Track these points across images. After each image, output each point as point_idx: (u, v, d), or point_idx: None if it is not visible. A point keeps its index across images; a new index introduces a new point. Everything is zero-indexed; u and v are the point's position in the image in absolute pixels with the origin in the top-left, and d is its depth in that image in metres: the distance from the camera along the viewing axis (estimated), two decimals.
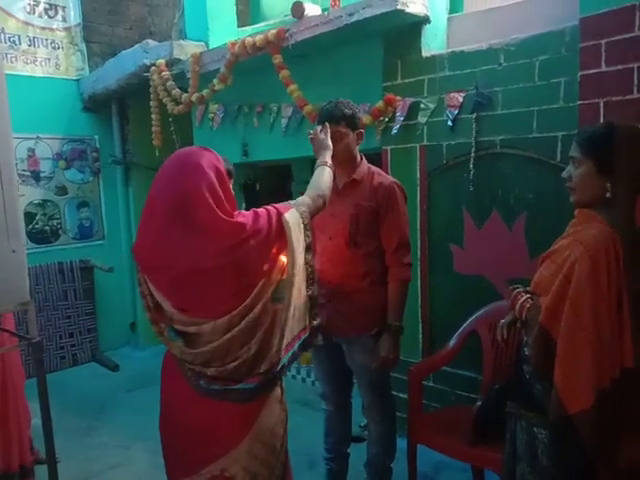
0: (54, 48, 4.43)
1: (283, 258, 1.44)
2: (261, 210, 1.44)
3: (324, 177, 1.71)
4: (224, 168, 1.42)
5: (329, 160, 1.79)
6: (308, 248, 1.50)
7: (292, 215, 1.45)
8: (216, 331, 1.37)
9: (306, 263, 1.49)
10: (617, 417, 1.35)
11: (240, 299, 1.37)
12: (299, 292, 1.47)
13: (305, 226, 1.48)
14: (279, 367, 1.45)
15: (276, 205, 1.48)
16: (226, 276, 1.36)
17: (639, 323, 1.35)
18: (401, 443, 2.31)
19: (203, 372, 1.40)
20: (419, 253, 2.77)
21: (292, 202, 1.55)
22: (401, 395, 2.62)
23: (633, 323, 1.34)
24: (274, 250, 1.42)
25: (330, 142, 1.87)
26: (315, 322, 1.54)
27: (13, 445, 2.57)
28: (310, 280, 1.51)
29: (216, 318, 1.37)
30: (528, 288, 1.55)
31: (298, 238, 1.44)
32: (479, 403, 2.16)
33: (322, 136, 1.88)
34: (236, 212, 1.40)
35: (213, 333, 1.37)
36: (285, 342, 1.44)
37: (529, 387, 1.51)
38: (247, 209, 1.46)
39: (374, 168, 2.16)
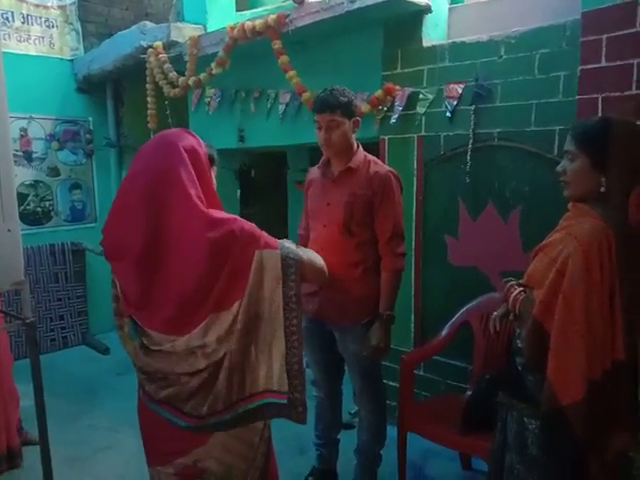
0: (48, 26, 4.36)
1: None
2: (246, 222, 1.34)
3: (312, 252, 1.53)
4: (204, 152, 1.38)
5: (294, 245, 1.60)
6: (288, 301, 1.33)
7: (270, 255, 1.31)
8: (174, 354, 1.31)
9: (287, 326, 1.33)
10: (607, 408, 1.37)
11: (198, 304, 1.28)
12: (257, 344, 1.34)
13: (287, 276, 1.32)
14: (230, 414, 1.34)
15: (265, 234, 1.35)
16: (186, 271, 1.27)
17: (630, 316, 1.37)
18: (391, 431, 2.33)
19: (142, 383, 1.38)
20: (413, 243, 2.78)
21: (287, 245, 1.37)
22: (392, 383, 2.64)
23: (624, 316, 1.35)
24: (237, 267, 1.29)
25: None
26: (297, 394, 1.37)
27: (0, 428, 2.57)
28: (293, 348, 1.34)
29: (172, 330, 1.30)
30: (521, 281, 1.56)
31: (267, 284, 1.31)
32: (469, 392, 2.19)
33: None
34: (214, 210, 1.32)
35: (170, 354, 1.32)
36: (240, 386, 1.33)
37: (521, 378, 1.52)
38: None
39: (370, 157, 2.15)
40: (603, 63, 1.92)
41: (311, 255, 1.46)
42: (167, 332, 1.31)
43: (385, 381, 2.37)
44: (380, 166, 2.13)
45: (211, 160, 1.43)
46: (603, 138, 1.39)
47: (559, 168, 1.49)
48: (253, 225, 1.35)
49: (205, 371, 1.32)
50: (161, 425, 1.40)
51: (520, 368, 1.53)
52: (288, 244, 1.39)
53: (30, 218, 4.33)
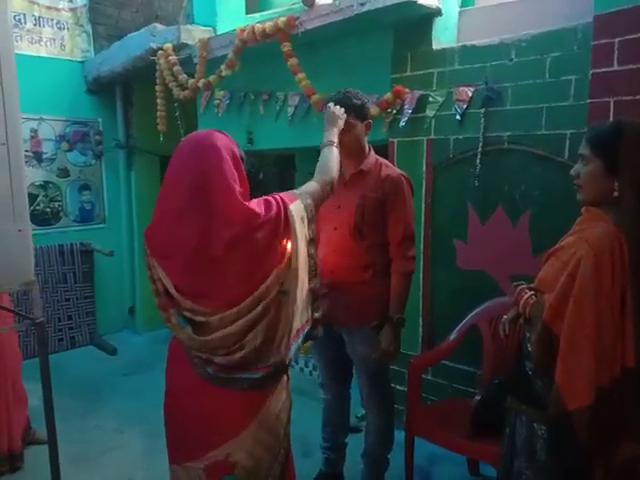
0: (59, 28, 4.40)
1: (289, 249, 1.44)
2: (270, 199, 1.44)
3: (333, 159, 1.71)
4: (238, 150, 1.43)
5: (336, 140, 1.79)
6: (311, 241, 1.49)
7: (297, 207, 1.45)
8: (224, 322, 1.36)
9: (309, 256, 1.49)
10: (616, 415, 1.36)
11: (248, 288, 1.37)
12: (302, 285, 1.47)
13: (309, 219, 1.48)
14: (288, 361, 1.46)
15: (281, 194, 1.47)
16: (237, 264, 1.35)
17: None
18: (398, 435, 2.32)
19: (210, 359, 1.40)
20: (422, 247, 2.77)
21: (297, 191, 1.54)
22: (399, 387, 2.64)
23: (636, 322, 1.34)
24: (282, 241, 1.42)
25: (343, 122, 1.87)
26: (317, 314, 1.55)
27: (2, 429, 2.56)
28: (312, 273, 1.51)
29: (224, 308, 1.36)
30: (531, 285, 1.55)
31: (301, 231, 1.45)
32: (478, 397, 2.17)
33: (337, 111, 1.88)
34: (249, 201, 1.40)
35: (221, 323, 1.37)
36: (292, 335, 1.44)
37: (530, 383, 1.51)
38: (251, 198, 1.46)
39: (382, 159, 2.15)
40: (615, 67, 1.90)
41: (315, 190, 1.57)
42: (230, 307, 1.37)
43: (393, 385, 2.36)
44: (392, 169, 2.13)
45: (242, 159, 1.47)
46: (617, 142, 1.38)
47: (573, 171, 1.49)
48: (269, 199, 1.43)
49: (259, 326, 1.38)
50: (198, 416, 1.42)
51: (530, 373, 1.52)
52: (297, 211, 1.48)
53: (39, 218, 4.35)
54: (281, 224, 1.39)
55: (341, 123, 1.88)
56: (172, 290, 1.38)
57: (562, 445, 1.38)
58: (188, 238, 1.33)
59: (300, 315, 1.47)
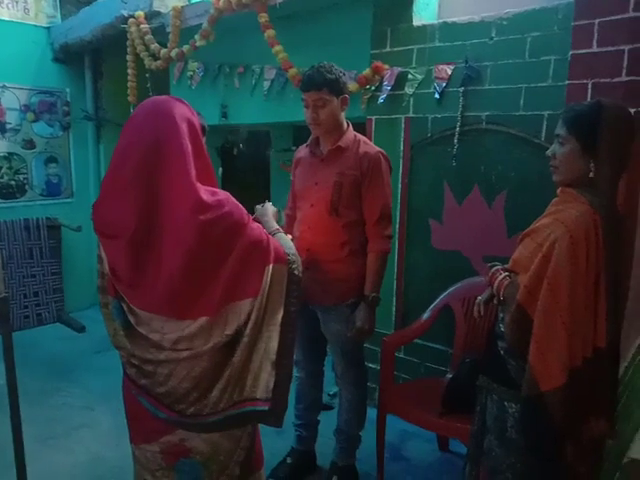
0: None
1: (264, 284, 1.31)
2: (238, 208, 1.30)
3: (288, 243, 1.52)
4: (197, 121, 1.33)
5: (277, 226, 1.65)
6: (288, 316, 1.37)
7: (278, 271, 1.34)
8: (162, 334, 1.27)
9: (283, 339, 1.35)
10: (587, 395, 1.38)
11: (203, 294, 1.25)
12: (252, 354, 1.33)
13: (290, 292, 1.37)
14: (214, 419, 1.33)
15: (271, 239, 1.36)
16: (176, 248, 1.23)
17: (615, 304, 1.37)
18: (370, 413, 2.33)
19: (125, 366, 1.36)
20: (397, 226, 2.76)
21: (292, 253, 1.42)
22: (372, 365, 2.64)
23: (609, 304, 1.35)
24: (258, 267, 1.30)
25: (270, 222, 1.63)
26: (278, 404, 1.37)
27: None
28: (285, 359, 1.37)
29: (158, 311, 1.26)
30: (506, 266, 1.55)
31: (272, 297, 1.33)
32: (450, 375, 2.20)
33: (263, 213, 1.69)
34: (204, 188, 1.26)
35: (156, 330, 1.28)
36: (230, 395, 1.33)
37: (502, 362, 1.52)
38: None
39: (360, 136, 2.11)
40: (594, 48, 1.89)
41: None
42: (169, 313, 1.27)
43: (365, 363, 2.36)
44: (370, 146, 2.09)
45: (202, 130, 1.37)
46: (594, 122, 1.37)
47: (549, 152, 1.48)
48: (243, 213, 1.31)
49: (184, 364, 1.29)
50: None
51: (502, 352, 1.53)
52: (287, 243, 1.40)
53: (3, 192, 4.21)
54: (242, 246, 1.27)
55: (268, 222, 1.64)
56: (108, 273, 1.30)
57: (536, 425, 1.40)
58: (131, 216, 1.22)
59: (250, 387, 1.34)
